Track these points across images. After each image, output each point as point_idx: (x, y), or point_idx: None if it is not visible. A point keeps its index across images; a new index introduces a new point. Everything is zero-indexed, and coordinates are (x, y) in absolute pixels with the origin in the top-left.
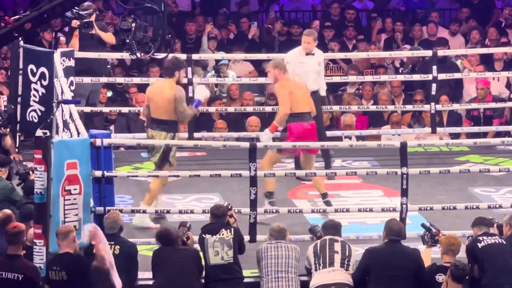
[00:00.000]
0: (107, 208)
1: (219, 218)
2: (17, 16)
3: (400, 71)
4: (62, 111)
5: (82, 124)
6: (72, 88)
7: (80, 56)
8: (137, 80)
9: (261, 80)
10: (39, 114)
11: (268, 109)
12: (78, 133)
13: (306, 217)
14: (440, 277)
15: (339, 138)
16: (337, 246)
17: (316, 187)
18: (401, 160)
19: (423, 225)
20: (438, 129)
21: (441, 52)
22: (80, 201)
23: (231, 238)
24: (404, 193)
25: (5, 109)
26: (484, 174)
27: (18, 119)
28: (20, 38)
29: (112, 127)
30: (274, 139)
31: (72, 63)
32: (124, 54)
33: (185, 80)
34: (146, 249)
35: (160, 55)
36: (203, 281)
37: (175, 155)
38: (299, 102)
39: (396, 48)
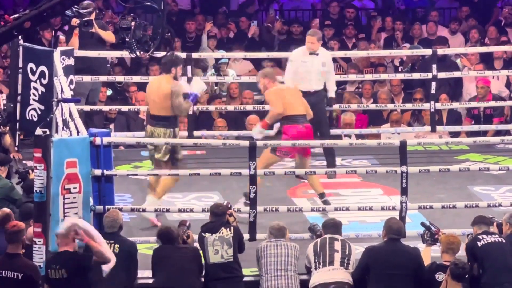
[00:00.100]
0: (106, 206)
1: (218, 217)
2: (17, 15)
3: (400, 70)
4: (62, 109)
5: (82, 122)
6: (72, 86)
7: (79, 55)
8: (137, 78)
9: None
10: (39, 113)
11: (268, 107)
12: (78, 132)
13: (306, 216)
14: (440, 276)
15: (339, 137)
16: (337, 245)
17: (313, 188)
18: (400, 159)
19: (422, 224)
20: (438, 128)
21: (441, 51)
22: (79, 200)
23: (231, 236)
24: (404, 191)
25: (5, 107)
26: (483, 172)
27: (18, 118)
28: (20, 37)
29: (111, 126)
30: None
31: (72, 61)
32: (123, 53)
33: (184, 78)
34: (145, 247)
35: (160, 54)
36: (203, 279)
37: (181, 150)
38: (292, 105)
39: (396, 47)
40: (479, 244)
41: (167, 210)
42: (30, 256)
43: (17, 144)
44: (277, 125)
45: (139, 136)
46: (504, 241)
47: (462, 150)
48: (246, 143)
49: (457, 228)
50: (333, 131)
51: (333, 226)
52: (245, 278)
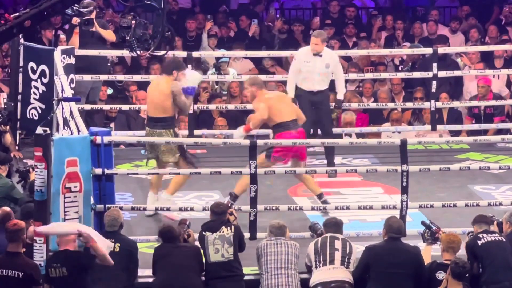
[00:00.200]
0: (107, 205)
1: (219, 216)
2: (17, 14)
3: (400, 69)
4: (63, 108)
5: (82, 121)
6: (73, 85)
7: (80, 54)
8: (137, 77)
9: (261, 77)
10: (39, 111)
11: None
12: (79, 131)
13: (306, 215)
14: (440, 275)
15: (339, 136)
16: (338, 244)
17: (310, 190)
18: (401, 158)
19: (423, 223)
20: (438, 127)
21: (441, 50)
22: (80, 199)
23: (231, 235)
24: (404, 190)
25: (5, 106)
26: (484, 171)
27: (18, 117)
28: (20, 36)
29: (112, 125)
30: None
31: (72, 60)
32: (124, 52)
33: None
34: (146, 246)
35: (160, 53)
36: (203, 278)
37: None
38: (281, 112)
39: (396, 45)
40: (479, 242)
41: (168, 209)
42: (31, 255)
43: (17, 143)
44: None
45: (140, 135)
46: (504, 240)
47: (463, 149)
48: (246, 142)
49: (458, 227)
50: (334, 130)
51: (334, 225)
52: (246, 277)
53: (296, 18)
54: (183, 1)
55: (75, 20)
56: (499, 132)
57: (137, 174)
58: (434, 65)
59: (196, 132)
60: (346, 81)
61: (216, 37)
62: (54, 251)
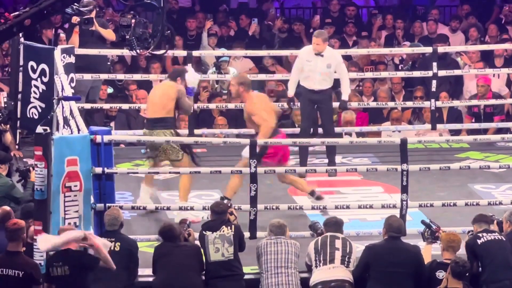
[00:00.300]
0: (107, 204)
1: (219, 215)
2: (17, 13)
3: (400, 68)
4: (63, 107)
5: (82, 120)
6: (73, 84)
7: (80, 53)
8: (137, 76)
9: (262, 76)
10: (40, 110)
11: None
12: (79, 130)
13: (306, 214)
14: (440, 274)
15: (339, 135)
16: (338, 243)
17: (301, 189)
18: (401, 157)
19: (423, 222)
20: (438, 126)
21: (441, 49)
22: (80, 198)
23: (232, 234)
24: (404, 189)
25: (5, 105)
26: (484, 170)
27: (19, 116)
28: (20, 35)
29: (112, 124)
30: None
31: (72, 59)
32: (124, 51)
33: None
34: (146, 245)
35: (160, 52)
36: (203, 277)
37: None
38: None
39: (396, 45)
40: (479, 242)
41: (168, 208)
42: (31, 254)
43: (17, 142)
44: None
45: (140, 134)
46: (503, 239)
47: (463, 148)
48: (246, 141)
49: (458, 226)
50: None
51: (335, 224)
52: (246, 276)
53: (296, 17)
54: (183, 0)
55: (75, 19)
56: (499, 131)
57: (137, 173)
58: (434, 64)
59: (196, 131)
60: None
61: (216, 36)
62: (56, 250)
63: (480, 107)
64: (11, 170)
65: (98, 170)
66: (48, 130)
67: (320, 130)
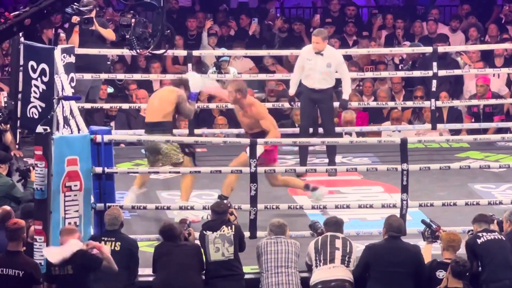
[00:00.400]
0: (107, 204)
1: (220, 215)
2: (17, 12)
3: (400, 68)
4: (63, 107)
5: (83, 120)
6: (73, 84)
7: (80, 53)
8: (137, 76)
9: (262, 76)
10: (40, 110)
11: (268, 105)
12: (79, 130)
13: (306, 213)
14: (440, 274)
15: (339, 135)
16: (338, 243)
17: (295, 186)
18: (401, 157)
19: (423, 221)
20: (438, 126)
21: (441, 49)
22: (80, 198)
23: (232, 234)
24: (405, 189)
25: (6, 105)
26: (484, 170)
27: (19, 116)
28: (20, 35)
29: (112, 124)
30: None
31: (72, 59)
32: (124, 51)
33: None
34: (146, 245)
35: (160, 51)
36: (203, 277)
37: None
38: None
39: (396, 44)
40: (479, 241)
41: (168, 208)
42: (31, 254)
43: (18, 141)
44: None
45: (140, 133)
46: (503, 239)
47: (463, 147)
48: (246, 141)
49: (458, 226)
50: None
51: (335, 224)
52: (246, 276)
53: (296, 16)
54: (183, 0)
55: (75, 19)
56: (499, 131)
57: (137, 173)
58: (434, 64)
59: (196, 131)
60: None
61: (216, 36)
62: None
63: (479, 107)
64: (11, 169)
65: (98, 169)
66: (48, 130)
67: (320, 129)
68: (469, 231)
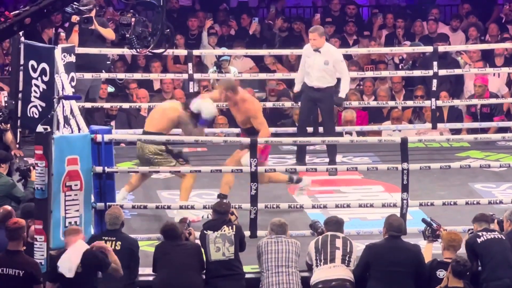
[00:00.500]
0: (108, 203)
1: (221, 215)
2: (17, 11)
3: (401, 67)
4: (63, 106)
5: (83, 119)
6: (73, 84)
7: (80, 52)
8: (137, 75)
9: (262, 76)
10: (40, 110)
11: (269, 104)
12: (79, 129)
13: (307, 213)
14: (440, 273)
15: (339, 134)
16: (339, 242)
17: (279, 181)
18: (401, 156)
19: (423, 220)
20: (439, 125)
21: (441, 48)
22: (81, 197)
23: (233, 234)
24: (405, 188)
25: (6, 105)
26: (484, 169)
27: (19, 115)
28: (21, 34)
29: (112, 123)
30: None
31: (73, 59)
32: (124, 50)
33: (185, 76)
34: (146, 244)
35: (159, 50)
36: (204, 276)
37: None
38: None
39: (397, 44)
40: (479, 240)
41: (168, 207)
42: (31, 253)
43: (18, 141)
44: None
45: (140, 133)
46: (503, 238)
47: (463, 147)
48: (247, 140)
49: (458, 225)
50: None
51: (335, 224)
52: (246, 275)
53: (296, 16)
54: None
55: (75, 18)
56: (499, 130)
57: (137, 172)
58: (435, 63)
59: None
60: None
61: (216, 35)
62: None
63: (476, 107)
64: (12, 169)
65: (99, 169)
66: (49, 129)
67: (321, 129)
68: (469, 230)
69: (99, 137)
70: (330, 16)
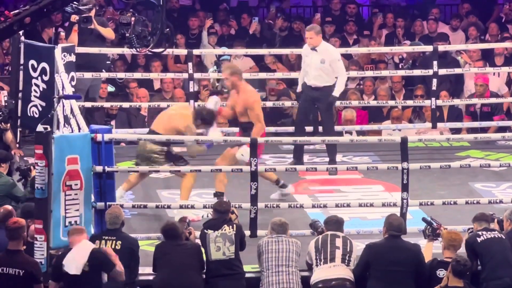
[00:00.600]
0: (108, 203)
1: (221, 214)
2: (17, 11)
3: (401, 67)
4: (63, 106)
5: (83, 119)
6: (73, 83)
7: (80, 52)
8: (137, 75)
9: (262, 75)
10: (40, 109)
11: (269, 104)
12: (79, 128)
13: (307, 212)
14: (441, 273)
15: (339, 133)
16: (339, 242)
17: (267, 179)
18: (401, 155)
19: (424, 219)
20: (439, 124)
21: (441, 47)
22: (81, 197)
23: (233, 234)
24: (405, 188)
25: (6, 104)
26: (484, 169)
27: (19, 115)
28: (21, 34)
29: (113, 122)
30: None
31: (73, 58)
32: (124, 50)
33: (185, 75)
34: (147, 244)
35: (159, 50)
36: (204, 276)
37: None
38: None
39: (397, 43)
40: (479, 240)
41: (168, 207)
42: (31, 253)
43: (18, 140)
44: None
45: (140, 132)
46: (503, 237)
47: (463, 146)
48: (247, 139)
49: (458, 225)
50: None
51: (335, 223)
52: (246, 275)
53: (296, 15)
54: None
55: (74, 18)
56: (499, 130)
57: (137, 171)
58: (435, 63)
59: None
60: (347, 79)
61: (216, 35)
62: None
63: (476, 106)
64: (12, 168)
65: (99, 168)
66: (49, 129)
67: (321, 128)
68: (468, 229)
69: (99, 137)
70: (330, 16)
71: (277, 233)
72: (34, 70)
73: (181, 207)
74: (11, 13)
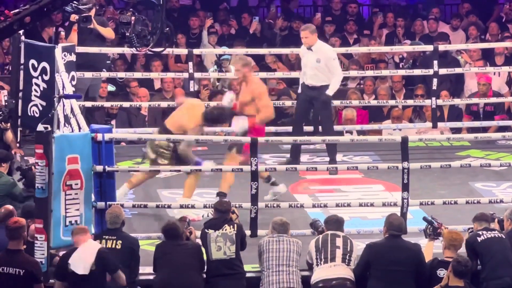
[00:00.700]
0: (108, 203)
1: (222, 214)
2: (17, 10)
3: (401, 66)
4: (63, 105)
5: (83, 118)
6: (74, 83)
7: (81, 51)
8: (138, 74)
9: (262, 74)
10: (40, 109)
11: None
12: (79, 128)
13: (307, 212)
14: (441, 272)
15: (340, 133)
16: (339, 241)
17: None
18: (402, 155)
19: (425, 219)
20: (439, 124)
21: (442, 47)
22: (81, 196)
23: (234, 233)
24: (405, 187)
25: (6, 104)
26: (485, 168)
27: (20, 114)
28: (21, 33)
29: (113, 122)
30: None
31: (73, 58)
32: (124, 49)
33: (186, 75)
34: (147, 243)
35: (159, 49)
36: (204, 276)
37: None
38: None
39: (397, 43)
40: (479, 239)
41: (169, 206)
42: (32, 253)
43: (18, 140)
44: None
45: (141, 132)
46: (503, 237)
47: (464, 146)
48: (247, 139)
49: (458, 225)
50: (334, 127)
51: (336, 223)
52: (247, 275)
53: (297, 15)
54: None
55: (73, 17)
56: (499, 129)
57: (138, 171)
58: (435, 62)
59: None
60: (347, 78)
61: (217, 34)
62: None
63: (478, 106)
64: (12, 168)
65: (99, 168)
66: (49, 128)
67: (320, 128)
68: (469, 229)
69: (99, 136)
70: (330, 15)
71: (278, 233)
72: (35, 69)
73: (181, 206)
74: (11, 12)
